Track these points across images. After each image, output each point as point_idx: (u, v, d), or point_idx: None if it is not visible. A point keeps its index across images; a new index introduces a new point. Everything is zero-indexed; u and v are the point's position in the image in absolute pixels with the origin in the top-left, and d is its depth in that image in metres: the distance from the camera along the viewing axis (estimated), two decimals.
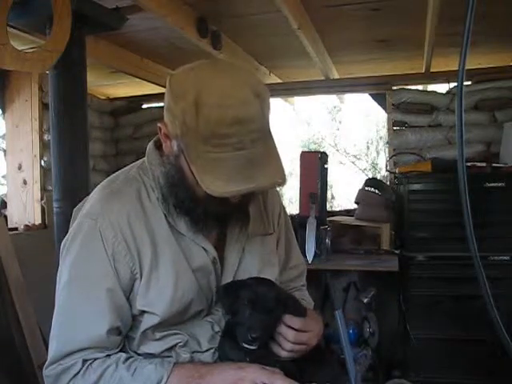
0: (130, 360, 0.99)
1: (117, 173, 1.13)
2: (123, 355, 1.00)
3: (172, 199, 1.03)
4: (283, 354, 1.04)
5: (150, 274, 1.01)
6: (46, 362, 1.01)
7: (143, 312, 1.02)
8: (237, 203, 1.00)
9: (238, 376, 0.94)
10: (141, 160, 1.13)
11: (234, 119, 0.89)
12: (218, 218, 1.04)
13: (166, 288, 1.01)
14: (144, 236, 1.02)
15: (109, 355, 1.00)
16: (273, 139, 0.98)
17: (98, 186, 1.11)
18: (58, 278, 1.05)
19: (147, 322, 1.02)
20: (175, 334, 1.04)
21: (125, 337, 1.05)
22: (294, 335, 1.03)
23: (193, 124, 0.90)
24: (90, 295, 1.00)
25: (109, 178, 1.13)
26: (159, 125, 1.01)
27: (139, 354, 1.05)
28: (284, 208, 1.30)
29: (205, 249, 1.07)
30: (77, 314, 1.00)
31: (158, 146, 1.08)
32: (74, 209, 1.14)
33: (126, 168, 1.14)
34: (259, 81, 1.00)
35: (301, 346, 1.05)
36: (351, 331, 2.62)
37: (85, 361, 0.98)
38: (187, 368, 0.98)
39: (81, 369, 0.97)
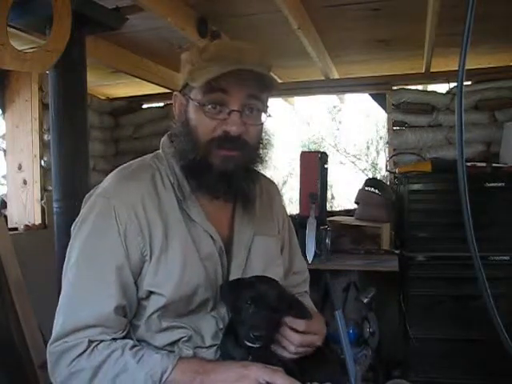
0: (137, 348, 1.00)
1: (131, 161, 1.15)
2: (130, 342, 1.01)
3: (182, 162, 1.07)
4: (287, 355, 1.05)
5: (159, 256, 1.03)
6: (51, 338, 1.01)
7: (150, 293, 1.03)
8: (238, 153, 1.03)
9: (241, 374, 0.95)
10: (155, 152, 1.17)
11: (236, 47, 1.06)
12: (221, 173, 1.04)
13: (173, 270, 1.03)
14: (156, 218, 1.04)
15: (115, 339, 1.00)
16: (268, 81, 1.05)
17: (113, 171, 1.13)
18: (67, 256, 1.06)
19: (153, 304, 1.03)
20: (180, 327, 1.05)
21: (130, 323, 1.05)
22: (299, 338, 1.04)
23: (197, 57, 1.05)
24: (100, 272, 1.00)
25: (123, 165, 1.14)
26: (175, 93, 1.12)
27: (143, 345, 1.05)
28: (288, 217, 1.33)
29: (213, 238, 1.08)
30: (85, 291, 1.00)
31: (171, 138, 1.13)
32: (86, 196, 1.14)
33: (139, 158, 1.16)
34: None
35: (305, 348, 1.06)
36: (351, 331, 2.62)
37: (91, 341, 0.98)
38: (192, 363, 0.99)
39: (86, 349, 0.97)
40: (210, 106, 1.03)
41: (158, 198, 1.06)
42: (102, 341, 0.98)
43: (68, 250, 1.06)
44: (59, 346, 0.99)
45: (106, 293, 0.99)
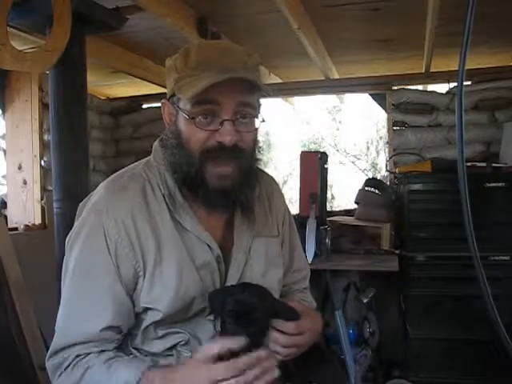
0: (113, 360, 0.98)
1: (122, 170, 1.14)
2: (110, 354, 1.00)
3: (176, 176, 1.04)
4: (278, 357, 1.01)
5: (153, 271, 1.01)
6: (46, 356, 1.03)
7: (147, 309, 1.02)
8: (235, 163, 1.01)
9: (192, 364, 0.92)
10: (146, 158, 1.14)
11: (220, 49, 1.02)
12: (217, 188, 1.01)
13: (169, 284, 1.01)
14: (148, 233, 1.02)
15: (103, 351, 0.99)
16: (260, 88, 1.02)
17: (104, 181, 1.12)
18: (63, 273, 1.06)
19: (150, 318, 1.03)
20: (177, 332, 1.04)
21: (126, 334, 1.05)
22: (284, 340, 1.01)
23: (183, 64, 1.01)
24: (91, 291, 1.00)
25: (114, 174, 1.13)
26: (163, 101, 1.09)
27: (141, 352, 1.05)
28: (289, 211, 1.30)
29: (209, 246, 1.07)
30: (76, 309, 1.01)
31: (163, 143, 1.10)
32: (80, 204, 1.14)
33: (131, 166, 1.14)
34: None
35: (290, 350, 1.03)
36: (351, 331, 2.63)
37: (77, 356, 0.98)
38: (156, 373, 0.95)
39: (70, 364, 0.98)
40: (200, 117, 1.00)
41: (149, 210, 1.04)
42: (88, 354, 0.99)
43: (63, 264, 1.06)
44: (52, 362, 1.01)
45: (97, 311, 0.99)
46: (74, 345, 0.99)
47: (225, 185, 1.01)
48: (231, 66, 0.98)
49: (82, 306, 1.00)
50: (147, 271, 1.01)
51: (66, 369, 0.98)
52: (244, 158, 1.03)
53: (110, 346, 1.01)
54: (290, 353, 1.03)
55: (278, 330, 1.01)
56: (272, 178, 1.29)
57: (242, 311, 0.96)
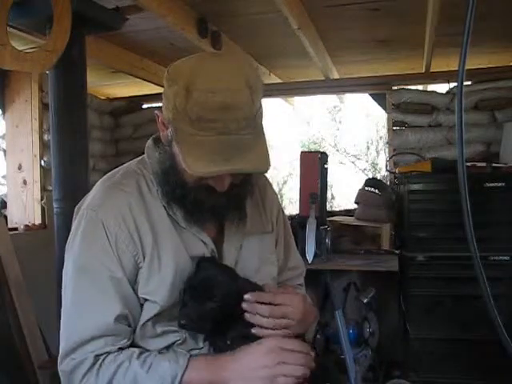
0: (144, 355, 0.99)
1: (116, 168, 1.14)
2: (136, 350, 1.00)
3: (166, 188, 1.04)
4: (265, 332, 1.02)
5: (151, 263, 1.02)
6: (59, 356, 1.01)
7: (145, 301, 1.03)
8: (227, 195, 1.01)
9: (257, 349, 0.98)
10: (140, 156, 1.15)
11: (221, 105, 0.90)
12: (211, 210, 1.03)
13: (166, 276, 1.02)
14: (145, 225, 1.03)
15: (121, 348, 0.99)
16: (262, 130, 0.99)
17: (99, 180, 1.12)
18: (64, 273, 1.05)
19: (147, 311, 1.03)
20: (175, 331, 1.04)
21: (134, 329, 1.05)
22: (268, 309, 1.01)
23: (182, 107, 0.93)
24: (95, 283, 1.00)
25: (109, 173, 1.14)
26: (156, 112, 1.03)
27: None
28: (282, 209, 1.30)
29: (203, 241, 1.08)
30: (83, 304, 1.00)
31: (157, 142, 1.10)
32: (76, 207, 1.14)
33: (124, 164, 1.15)
34: (255, 72, 1.02)
35: (282, 321, 1.03)
36: (351, 331, 2.62)
37: (97, 356, 0.97)
38: (202, 361, 0.99)
39: (93, 364, 0.97)
40: None
41: (145, 205, 1.04)
42: (108, 354, 0.98)
43: (64, 266, 1.06)
44: (68, 365, 0.99)
45: (104, 303, 0.99)
46: (89, 340, 0.97)
47: (219, 211, 1.03)
48: (233, 126, 0.92)
49: (90, 301, 1.00)
50: (146, 263, 1.02)
51: (89, 369, 0.97)
52: (239, 187, 1.03)
53: (125, 343, 1.01)
54: (276, 324, 1.02)
55: (258, 302, 1.01)
56: (265, 177, 1.29)
57: (198, 288, 0.99)
